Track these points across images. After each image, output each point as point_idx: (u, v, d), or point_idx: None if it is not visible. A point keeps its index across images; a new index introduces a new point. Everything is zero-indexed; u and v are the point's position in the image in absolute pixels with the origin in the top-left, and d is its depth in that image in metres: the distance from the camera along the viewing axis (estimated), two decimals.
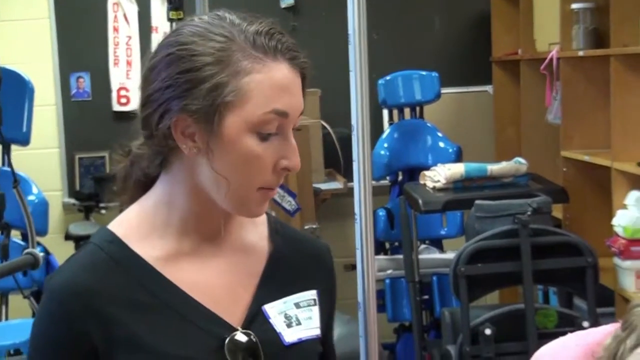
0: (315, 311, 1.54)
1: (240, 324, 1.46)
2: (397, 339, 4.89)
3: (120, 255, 1.43)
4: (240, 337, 1.44)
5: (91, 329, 1.38)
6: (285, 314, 1.50)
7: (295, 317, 1.51)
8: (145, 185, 1.50)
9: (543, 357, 1.84)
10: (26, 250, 3.42)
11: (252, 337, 1.44)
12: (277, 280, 1.52)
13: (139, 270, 1.43)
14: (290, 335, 1.48)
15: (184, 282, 1.44)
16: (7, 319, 3.83)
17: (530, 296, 3.48)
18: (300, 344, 1.49)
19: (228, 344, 1.42)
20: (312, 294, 1.55)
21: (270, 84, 1.37)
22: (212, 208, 1.44)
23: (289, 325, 1.49)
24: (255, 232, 1.56)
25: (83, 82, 5.74)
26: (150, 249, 1.44)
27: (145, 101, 1.42)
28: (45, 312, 1.44)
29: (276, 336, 1.47)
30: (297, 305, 1.52)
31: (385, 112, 5.33)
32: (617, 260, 3.74)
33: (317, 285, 1.57)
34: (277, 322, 1.48)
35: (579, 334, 1.85)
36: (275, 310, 1.49)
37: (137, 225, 1.47)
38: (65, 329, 1.39)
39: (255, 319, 1.47)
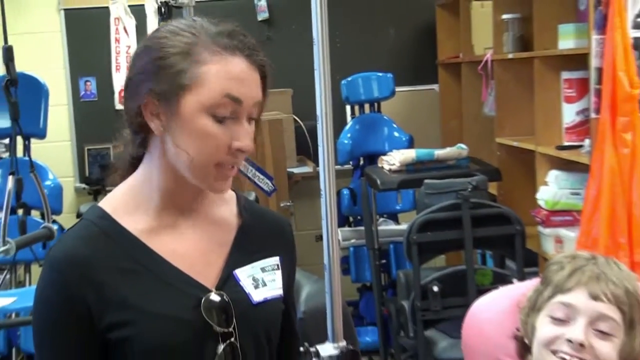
0: (278, 275, 1.54)
1: (214, 286, 1.45)
2: (360, 297, 4.92)
3: (110, 229, 1.43)
4: (214, 297, 1.43)
5: (86, 293, 1.38)
6: (253, 277, 1.49)
7: (262, 279, 1.50)
8: (133, 165, 1.49)
9: (480, 306, 1.91)
10: (42, 225, 3.49)
11: (224, 297, 1.44)
12: (245, 248, 1.52)
13: (126, 242, 1.42)
14: (257, 295, 1.48)
15: (164, 251, 1.43)
16: (30, 285, 3.84)
17: (471, 259, 3.53)
18: (266, 303, 1.49)
19: (204, 302, 1.41)
20: (275, 260, 1.55)
21: (226, 73, 1.36)
22: (184, 184, 1.43)
23: (256, 287, 1.49)
24: (227, 209, 1.55)
25: (90, 85, 5.74)
26: (135, 223, 1.44)
27: (125, 87, 1.43)
28: (47, 279, 1.42)
29: (245, 296, 1.47)
30: (263, 270, 1.52)
31: (348, 108, 5.37)
32: (540, 228, 3.79)
33: (279, 253, 1.56)
34: (246, 284, 1.48)
35: (508, 287, 1.93)
36: (244, 274, 1.49)
37: (124, 202, 1.46)
38: (64, 293, 1.39)
39: (227, 281, 1.47)
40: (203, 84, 1.35)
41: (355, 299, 4.97)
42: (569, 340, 1.59)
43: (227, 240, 1.52)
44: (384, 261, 4.51)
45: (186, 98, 1.36)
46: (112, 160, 1.58)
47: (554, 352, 1.61)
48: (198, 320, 1.41)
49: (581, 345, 1.58)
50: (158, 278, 1.41)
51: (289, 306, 1.61)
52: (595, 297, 1.62)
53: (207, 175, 1.40)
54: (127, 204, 1.46)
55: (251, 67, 1.39)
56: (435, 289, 3.49)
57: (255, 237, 1.55)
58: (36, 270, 3.82)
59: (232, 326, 1.44)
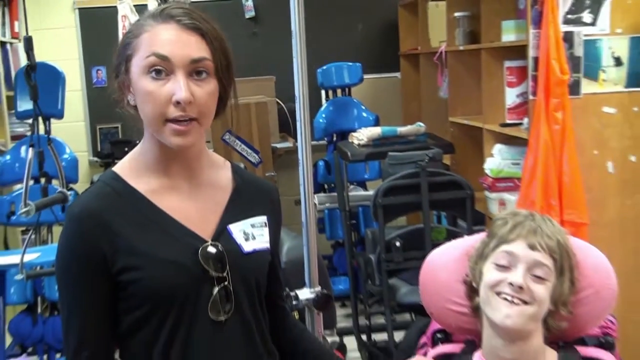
0: (266, 231, 1.53)
1: (210, 238, 1.45)
2: (334, 252, 4.97)
3: (122, 189, 1.43)
4: (210, 247, 1.43)
5: (101, 241, 1.38)
6: (244, 232, 1.49)
7: (251, 234, 1.50)
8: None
9: (434, 256, 1.89)
10: (58, 190, 3.52)
11: (219, 247, 1.44)
12: (237, 208, 1.51)
13: (135, 199, 1.42)
14: (247, 246, 1.48)
15: (168, 207, 1.43)
16: (52, 242, 3.83)
17: (427, 219, 3.53)
18: (255, 253, 1.49)
19: (201, 251, 1.42)
20: (263, 218, 1.54)
21: (154, 37, 1.35)
22: (163, 147, 1.41)
23: (246, 240, 1.49)
24: (222, 174, 1.54)
25: (101, 73, 5.72)
26: (143, 184, 1.43)
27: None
28: (67, 232, 1.41)
29: (237, 247, 1.47)
30: (253, 226, 1.51)
31: (323, 92, 5.37)
32: (486, 193, 3.81)
33: (267, 213, 1.56)
34: (238, 237, 1.48)
35: (458, 240, 1.92)
36: (236, 229, 1.48)
37: (133, 167, 1.46)
38: (82, 242, 1.39)
39: (222, 234, 1.46)
40: (139, 50, 1.36)
41: (330, 253, 5.00)
42: (511, 284, 1.61)
43: (223, 200, 1.51)
44: (354, 221, 4.53)
45: (131, 65, 1.38)
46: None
47: (498, 294, 1.62)
48: (196, 266, 1.41)
49: (520, 287, 1.60)
50: (162, 230, 1.42)
51: (274, 258, 1.61)
52: (532, 247, 1.64)
53: (162, 132, 1.37)
54: (136, 168, 1.46)
55: (184, 30, 1.36)
56: (398, 244, 3.49)
57: (246, 199, 1.54)
58: (57, 230, 3.80)
59: (226, 272, 1.44)
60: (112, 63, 1.43)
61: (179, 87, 1.33)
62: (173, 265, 1.40)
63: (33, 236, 3.61)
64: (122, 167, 1.47)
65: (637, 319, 3.35)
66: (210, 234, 1.46)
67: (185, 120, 1.35)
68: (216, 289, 1.43)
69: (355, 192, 4.64)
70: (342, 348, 3.98)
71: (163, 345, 1.41)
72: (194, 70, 1.36)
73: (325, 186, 4.99)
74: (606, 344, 1.77)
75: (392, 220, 3.65)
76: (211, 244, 1.44)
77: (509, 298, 1.60)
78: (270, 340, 1.56)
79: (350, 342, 4.06)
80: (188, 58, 1.35)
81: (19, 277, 2.88)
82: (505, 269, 1.64)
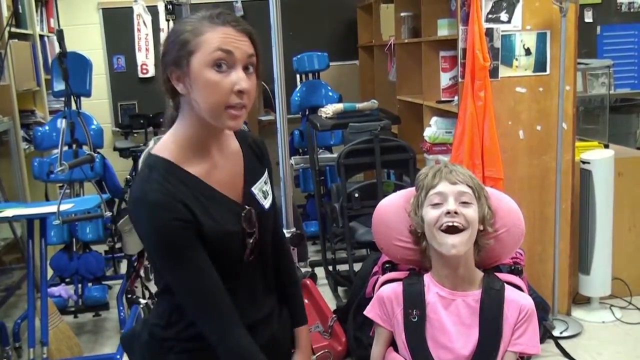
0: (269, 185, 1.49)
1: (243, 203, 1.39)
2: (307, 202, 4.94)
3: (180, 175, 1.31)
4: (247, 212, 1.38)
5: (185, 213, 1.26)
6: (261, 190, 1.44)
7: (265, 191, 1.45)
8: (173, 121, 1.37)
9: (384, 203, 1.86)
10: (86, 153, 3.52)
11: (250, 209, 1.39)
12: (250, 170, 1.44)
13: (192, 182, 1.31)
14: (267, 204, 1.44)
15: (214, 183, 1.35)
16: (83, 195, 3.82)
17: (380, 175, 3.54)
18: (272, 208, 1.46)
19: (243, 217, 1.37)
20: (266, 174, 1.49)
21: (218, 36, 1.27)
22: (210, 128, 1.33)
23: (264, 198, 1.44)
24: (233, 142, 1.44)
25: (121, 61, 5.62)
26: (192, 165, 1.33)
27: (158, 65, 1.34)
28: (155, 216, 1.25)
29: (262, 207, 1.42)
30: (265, 183, 1.46)
31: (297, 76, 5.32)
32: (425, 155, 3.81)
33: (265, 165, 1.50)
34: (259, 197, 1.42)
35: (402, 191, 1.90)
36: (257, 190, 1.43)
37: (180, 151, 1.32)
38: (173, 216, 1.25)
39: (249, 198, 1.40)
40: (203, 46, 1.27)
41: (304, 203, 4.99)
42: (448, 212, 1.60)
43: (241, 166, 1.43)
44: (322, 178, 4.50)
45: (193, 60, 1.27)
46: (162, 119, 1.43)
47: (439, 227, 1.61)
48: (238, 226, 1.37)
49: (456, 212, 1.60)
50: (216, 203, 1.34)
51: (276, 206, 1.57)
52: (453, 183, 1.65)
53: (221, 117, 1.28)
54: (183, 151, 1.33)
55: (238, 32, 1.30)
56: (356, 195, 3.50)
57: (253, 160, 1.47)
58: (88, 186, 3.79)
59: (255, 227, 1.40)
60: (162, 59, 1.32)
61: (241, 78, 1.27)
62: (228, 231, 1.34)
63: (68, 190, 3.58)
64: (171, 152, 1.33)
65: (540, 251, 3.41)
66: (240, 198, 1.40)
67: (240, 107, 1.29)
68: (251, 240, 1.38)
69: (323, 155, 4.61)
70: (313, 276, 3.99)
71: None
72: (246, 65, 1.29)
73: (300, 150, 4.93)
74: (515, 270, 1.79)
75: (352, 177, 3.65)
76: (247, 209, 1.38)
77: (450, 223, 1.59)
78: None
79: (320, 271, 4.08)
80: (245, 53, 1.29)
81: (56, 222, 2.85)
82: (439, 206, 1.63)
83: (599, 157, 3.44)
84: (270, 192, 1.48)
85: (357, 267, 3.48)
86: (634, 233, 3.68)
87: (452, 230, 1.60)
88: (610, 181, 3.46)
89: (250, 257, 1.40)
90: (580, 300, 3.59)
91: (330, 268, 3.96)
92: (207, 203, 1.32)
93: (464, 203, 1.63)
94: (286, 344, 1.56)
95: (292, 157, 4.58)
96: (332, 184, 3.97)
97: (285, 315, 1.55)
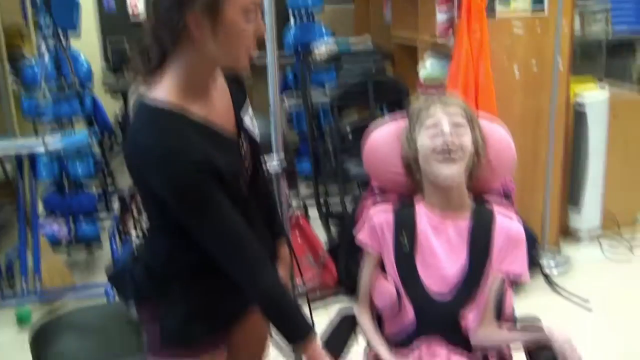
0: (251, 111, 1.49)
1: (238, 135, 1.41)
2: (300, 141, 4.92)
3: (188, 120, 1.28)
4: (245, 146, 1.41)
5: (204, 158, 1.24)
6: (250, 118, 1.46)
7: (251, 118, 1.47)
8: (161, 62, 1.31)
9: (374, 135, 1.82)
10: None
11: (247, 142, 1.43)
12: (237, 99, 1.44)
13: (200, 128, 1.29)
14: (255, 130, 1.46)
15: (214, 120, 1.33)
16: (73, 129, 3.82)
17: (374, 113, 3.56)
18: (259, 135, 1.48)
19: (243, 152, 1.40)
20: (248, 102, 1.48)
21: None
22: (212, 68, 1.34)
23: (253, 126, 1.47)
24: (220, 78, 1.42)
25: (112, 3, 5.65)
26: (197, 109, 1.31)
27: (169, 4, 1.24)
28: (177, 164, 1.22)
29: (254, 138, 1.45)
30: (250, 114, 1.47)
31: (290, 12, 5.10)
32: (419, 94, 3.76)
33: (246, 95, 1.50)
34: (249, 123, 1.45)
35: (391, 123, 1.86)
36: (246, 118, 1.45)
37: (182, 94, 1.30)
38: (196, 161, 1.23)
39: (243, 130, 1.42)
40: None
41: (297, 142, 4.97)
42: (442, 133, 1.60)
43: (229, 99, 1.43)
44: (315, 119, 4.43)
45: (227, 8, 1.23)
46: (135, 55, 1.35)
47: (434, 150, 1.60)
48: (238, 156, 1.40)
49: (450, 134, 1.59)
50: (219, 142, 1.34)
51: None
52: (446, 105, 1.64)
53: (242, 60, 1.30)
54: (184, 93, 1.30)
55: None
56: (348, 130, 3.59)
57: (236, 91, 1.45)
58: (77, 121, 3.78)
59: (248, 160, 1.44)
60: (180, 4, 1.24)
61: (261, 25, 1.30)
62: (233, 165, 1.35)
63: (56, 126, 3.58)
64: (172, 95, 1.29)
65: (530, 185, 3.45)
66: (235, 131, 1.41)
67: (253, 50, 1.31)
68: (249, 171, 1.42)
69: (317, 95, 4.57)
70: (306, 213, 4.01)
71: None
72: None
73: (294, 93, 4.88)
74: (506, 196, 1.80)
75: (344, 117, 3.69)
76: (243, 143, 1.41)
77: (445, 147, 1.58)
78: None
79: (313, 211, 4.10)
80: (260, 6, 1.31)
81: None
82: (434, 130, 1.62)
83: (594, 100, 3.43)
84: (254, 119, 1.49)
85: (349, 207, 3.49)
86: (627, 168, 3.70)
87: (447, 160, 1.60)
88: (605, 123, 3.45)
89: (247, 192, 1.41)
90: (569, 234, 3.64)
91: (324, 209, 3.98)
92: (217, 145, 1.32)
93: (458, 126, 1.62)
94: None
95: (286, 98, 4.54)
96: (325, 125, 3.94)
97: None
